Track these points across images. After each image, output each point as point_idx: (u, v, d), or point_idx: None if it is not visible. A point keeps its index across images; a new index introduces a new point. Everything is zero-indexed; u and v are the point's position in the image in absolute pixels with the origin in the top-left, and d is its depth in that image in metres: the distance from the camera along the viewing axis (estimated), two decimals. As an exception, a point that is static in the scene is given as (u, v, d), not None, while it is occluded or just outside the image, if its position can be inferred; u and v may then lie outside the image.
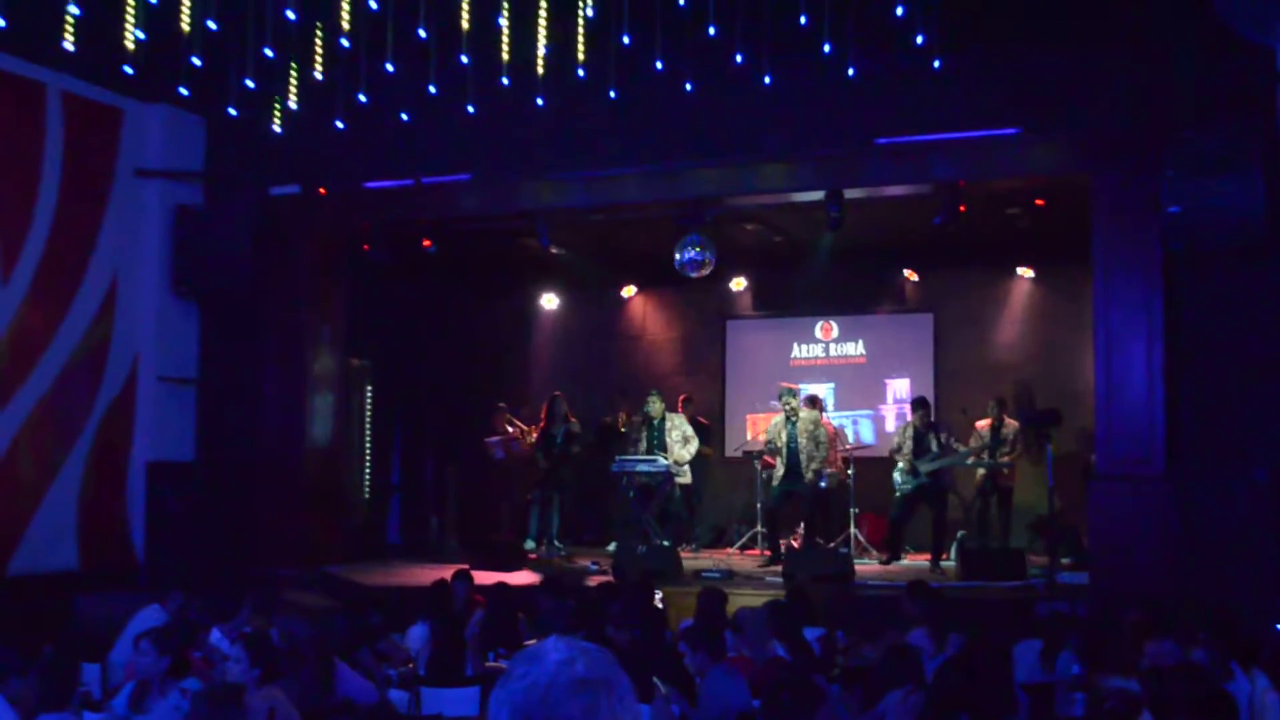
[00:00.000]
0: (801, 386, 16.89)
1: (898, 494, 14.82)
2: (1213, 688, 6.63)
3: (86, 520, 13.55)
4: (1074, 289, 15.35)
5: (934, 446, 14.52)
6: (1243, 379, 11.58)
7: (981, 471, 15.09)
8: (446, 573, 11.50)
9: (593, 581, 12.80)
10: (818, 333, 18.25)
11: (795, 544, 14.79)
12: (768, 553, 14.86)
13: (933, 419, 14.92)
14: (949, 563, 14.50)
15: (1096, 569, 12.08)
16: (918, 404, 15.14)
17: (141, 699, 6.87)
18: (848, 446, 15.91)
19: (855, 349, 18.07)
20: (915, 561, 14.86)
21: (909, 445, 14.65)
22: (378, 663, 8.61)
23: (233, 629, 8.84)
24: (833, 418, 16.94)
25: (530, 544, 15.82)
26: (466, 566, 12.25)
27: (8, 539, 12.71)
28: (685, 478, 15.32)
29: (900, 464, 14.73)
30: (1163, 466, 11.73)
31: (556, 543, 16.07)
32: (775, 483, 14.71)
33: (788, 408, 14.69)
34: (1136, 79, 11.87)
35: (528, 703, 2.24)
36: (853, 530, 15.16)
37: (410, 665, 9.09)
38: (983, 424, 15.18)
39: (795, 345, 18.36)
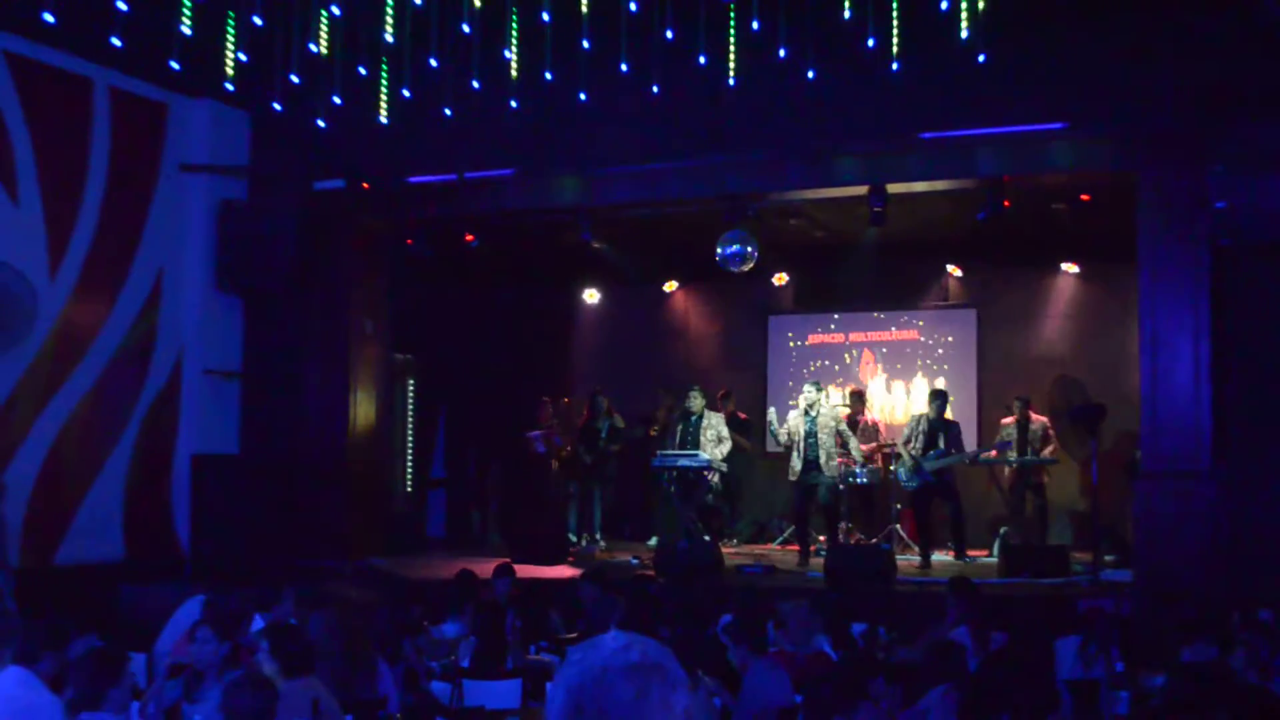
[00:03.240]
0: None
1: (905, 489, 14.73)
2: (1251, 687, 6.58)
3: (132, 512, 13.69)
4: (1119, 285, 15.24)
5: (941, 444, 14.40)
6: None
7: (1011, 469, 14.99)
8: (489, 566, 11.54)
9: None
10: (861, 328, 18.19)
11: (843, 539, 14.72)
12: (797, 548, 14.75)
13: (946, 414, 14.72)
14: (991, 558, 14.43)
15: (1141, 566, 12.00)
16: (935, 395, 14.93)
17: (195, 688, 6.90)
18: (893, 443, 15.81)
19: (898, 344, 18.00)
20: (942, 558, 14.78)
21: (919, 440, 14.47)
22: (419, 655, 8.65)
23: (274, 619, 8.89)
24: (875, 413, 16.93)
25: (572, 538, 15.85)
26: (508, 560, 12.28)
27: (55, 529, 12.86)
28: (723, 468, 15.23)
29: (904, 459, 14.60)
30: (1209, 464, 11.64)
31: (598, 536, 16.11)
32: (791, 477, 14.58)
33: (806, 401, 14.61)
34: (1184, 73, 11.77)
35: (582, 685, 2.29)
36: (895, 526, 15.10)
37: (452, 658, 9.13)
38: (1008, 421, 15.09)
39: (838, 340, 18.30)
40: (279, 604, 9.08)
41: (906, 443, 14.63)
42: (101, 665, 6.34)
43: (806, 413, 14.51)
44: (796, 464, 14.43)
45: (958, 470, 14.81)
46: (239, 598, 9.40)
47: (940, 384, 17.31)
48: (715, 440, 14.74)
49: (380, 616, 8.68)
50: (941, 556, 14.71)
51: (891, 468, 15.19)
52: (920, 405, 17.48)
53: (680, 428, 14.87)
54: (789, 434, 14.54)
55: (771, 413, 15.24)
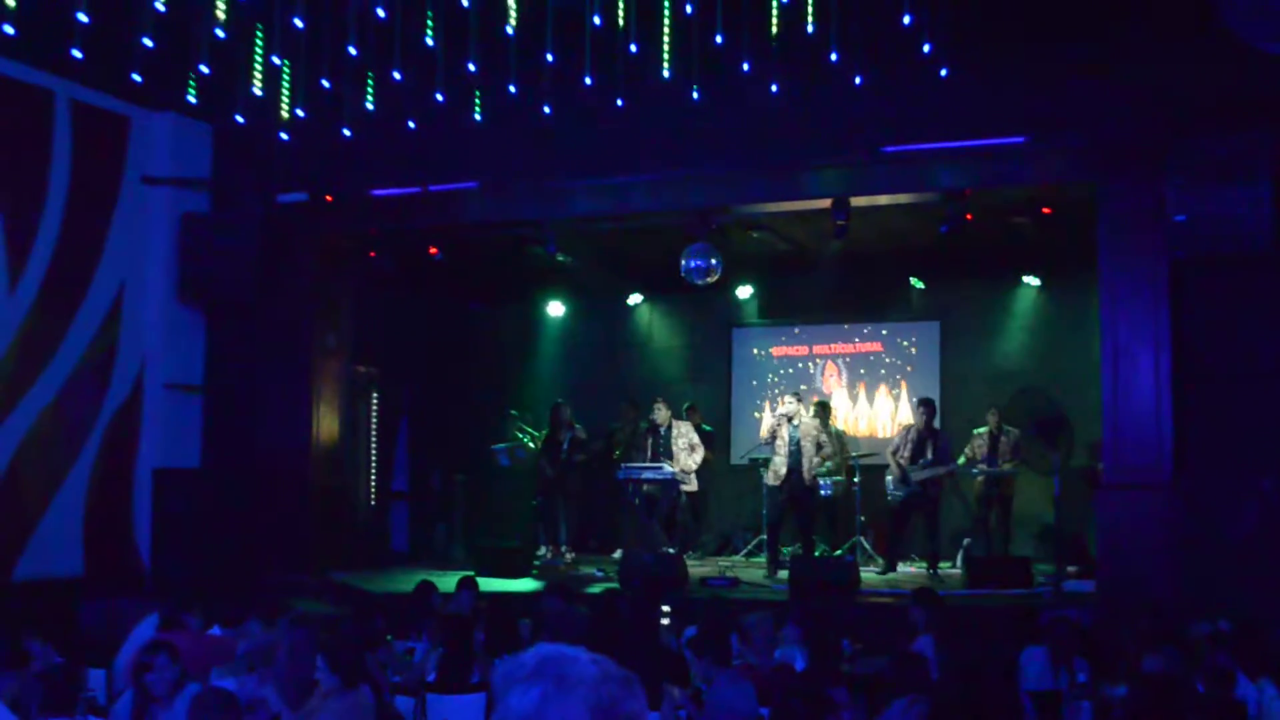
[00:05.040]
0: (808, 392, 16.98)
1: (889, 500, 14.81)
2: (1212, 696, 6.63)
3: (92, 526, 13.56)
4: (1080, 297, 15.33)
5: (929, 453, 14.48)
6: (1250, 386, 11.58)
7: (980, 479, 15.06)
8: (452, 580, 11.51)
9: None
10: (825, 340, 18.25)
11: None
12: (772, 568, 14.71)
13: (935, 424, 14.81)
14: (954, 570, 14.50)
15: (1103, 577, 12.06)
16: (923, 404, 15.02)
17: (146, 708, 6.85)
18: (854, 454, 15.86)
19: (861, 356, 18.06)
20: (915, 570, 14.82)
21: (907, 450, 14.57)
22: (382, 669, 8.61)
23: (236, 634, 8.85)
24: (839, 425, 16.97)
25: (541, 551, 15.79)
26: (472, 574, 12.25)
27: (14, 544, 12.72)
28: (691, 485, 15.28)
29: (893, 468, 14.67)
30: (1170, 474, 11.72)
31: (564, 549, 16.05)
32: (775, 483, 14.60)
33: (788, 411, 14.67)
34: (1143, 87, 11.87)
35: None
36: (860, 538, 15.13)
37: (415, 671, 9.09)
38: (981, 431, 15.16)
39: (801, 352, 18.35)
40: (243, 622, 9.02)
41: (895, 452, 14.70)
42: (65, 673, 6.30)
43: (790, 420, 14.59)
44: (781, 469, 14.46)
45: (944, 483, 14.88)
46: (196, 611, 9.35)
47: (903, 395, 17.39)
48: (688, 448, 14.81)
49: (343, 630, 8.65)
50: (904, 568, 14.79)
51: (856, 479, 15.23)
52: (887, 416, 17.60)
53: (650, 441, 14.91)
54: (771, 437, 14.62)
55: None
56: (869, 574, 14.15)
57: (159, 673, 6.84)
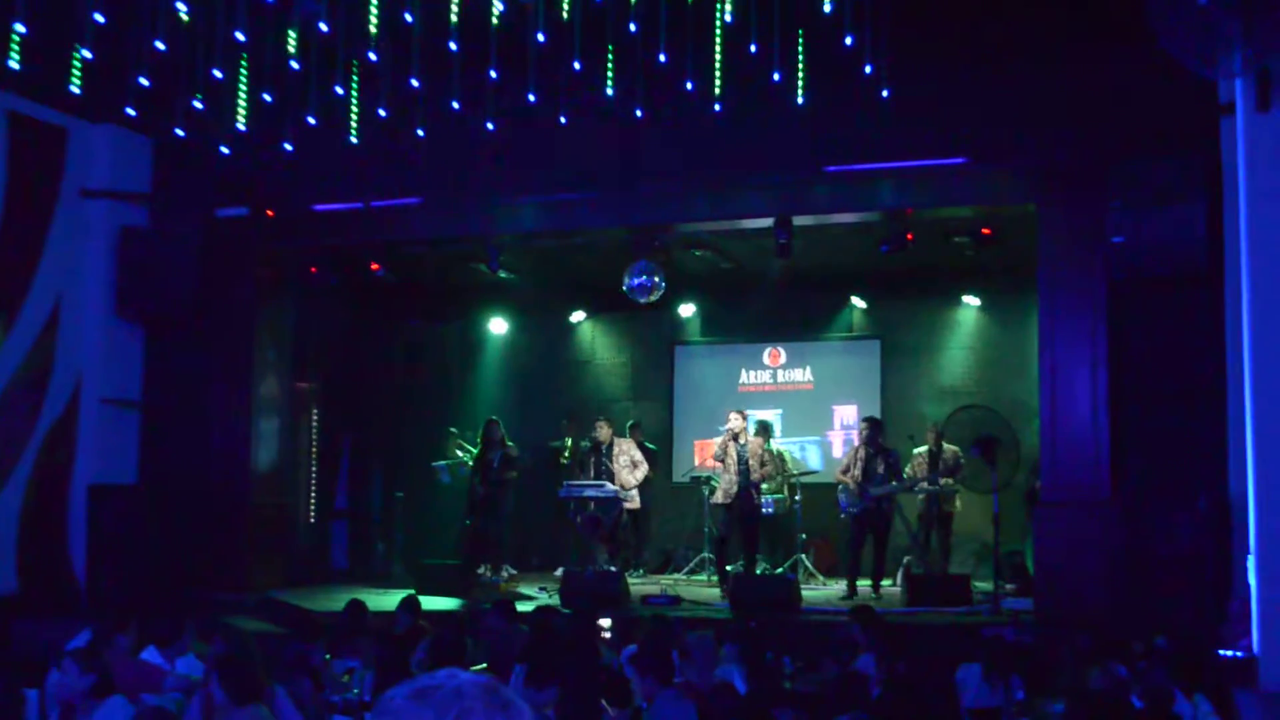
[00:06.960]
0: (750, 413, 17.00)
1: (844, 516, 14.78)
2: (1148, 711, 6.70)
3: (26, 543, 13.37)
4: (1020, 317, 15.48)
5: (881, 469, 14.50)
6: (1185, 406, 11.72)
7: (922, 497, 15.13)
8: (393, 598, 11.44)
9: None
10: (765, 359, 18.29)
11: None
12: (718, 583, 14.71)
13: (882, 441, 14.78)
14: (894, 588, 14.54)
15: (1041, 594, 12.16)
16: (869, 422, 14.94)
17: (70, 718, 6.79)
18: (795, 473, 15.90)
19: (803, 375, 18.12)
20: (862, 588, 14.84)
21: (858, 469, 14.56)
22: (319, 689, 8.53)
23: (172, 653, 8.75)
24: (780, 443, 16.97)
25: (482, 569, 15.70)
26: (413, 593, 12.17)
27: (-55, 562, 12.55)
28: (634, 502, 15.27)
29: (847, 486, 14.63)
30: (1107, 493, 11.85)
31: (504, 567, 15.96)
32: (721, 500, 14.59)
33: (734, 429, 14.67)
34: (1083, 110, 12.02)
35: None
36: (801, 556, 15.15)
37: (355, 691, 9.01)
38: (921, 450, 15.23)
39: (743, 371, 18.38)
40: (178, 639, 8.92)
41: (845, 471, 14.66)
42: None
43: (736, 439, 14.58)
44: (732, 488, 14.43)
45: (897, 500, 14.90)
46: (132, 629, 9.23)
47: (851, 413, 17.44)
48: (630, 465, 14.80)
49: (279, 649, 8.57)
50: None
51: (797, 497, 15.25)
52: (826, 436, 17.66)
53: (593, 460, 14.88)
54: (722, 454, 14.60)
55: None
56: (810, 591, 14.18)
57: (64, 674, 6.80)
